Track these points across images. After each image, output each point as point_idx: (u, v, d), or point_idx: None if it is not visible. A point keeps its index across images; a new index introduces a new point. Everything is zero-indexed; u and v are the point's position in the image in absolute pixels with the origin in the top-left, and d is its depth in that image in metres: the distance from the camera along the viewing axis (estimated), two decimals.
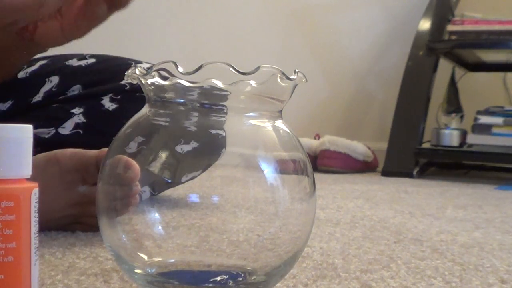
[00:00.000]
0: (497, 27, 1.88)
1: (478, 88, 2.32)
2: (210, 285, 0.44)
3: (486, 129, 1.89)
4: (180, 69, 0.42)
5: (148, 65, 0.96)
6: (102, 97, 0.82)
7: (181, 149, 0.86)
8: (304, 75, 0.45)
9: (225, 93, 0.44)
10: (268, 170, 0.43)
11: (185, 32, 2.29)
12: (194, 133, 0.48)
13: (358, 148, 1.96)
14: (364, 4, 2.37)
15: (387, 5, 2.36)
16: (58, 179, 0.67)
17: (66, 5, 0.66)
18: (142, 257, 0.45)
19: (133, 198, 0.74)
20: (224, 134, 1.01)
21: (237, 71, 0.41)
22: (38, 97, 0.83)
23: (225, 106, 0.46)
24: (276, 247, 0.44)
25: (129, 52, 1.13)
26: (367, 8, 2.38)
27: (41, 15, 0.63)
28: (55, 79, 0.85)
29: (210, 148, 0.88)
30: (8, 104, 0.83)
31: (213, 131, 0.94)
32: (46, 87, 0.84)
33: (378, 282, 0.54)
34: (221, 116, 0.47)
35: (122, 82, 0.84)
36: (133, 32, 2.24)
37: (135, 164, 0.67)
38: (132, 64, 0.89)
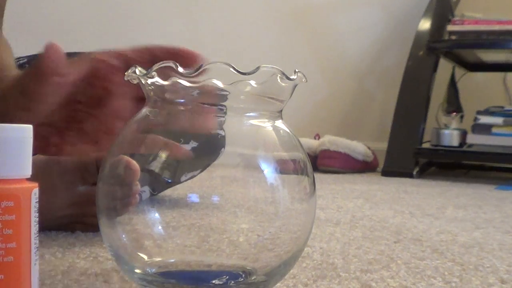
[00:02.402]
0: (497, 27, 1.88)
1: (478, 88, 2.32)
2: (210, 285, 0.44)
3: (486, 129, 1.89)
4: (180, 69, 0.42)
5: None
6: None
7: None
8: (304, 75, 0.45)
9: (225, 93, 0.44)
10: (268, 170, 0.43)
11: (185, 32, 2.29)
12: (193, 133, 0.48)
13: (358, 148, 1.95)
14: (364, 4, 2.37)
15: (387, 5, 2.36)
16: (58, 179, 0.67)
17: None
18: (142, 257, 0.45)
19: (133, 198, 0.74)
20: (223, 133, 1.02)
21: (237, 71, 0.41)
22: None
23: (225, 106, 0.46)
24: (276, 247, 0.44)
25: None
26: (367, 8, 2.37)
27: None
28: None
29: (209, 148, 0.88)
30: None
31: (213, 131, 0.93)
32: None
33: (378, 282, 0.54)
34: (221, 116, 0.46)
35: None
36: (134, 31, 2.24)
37: (134, 164, 0.67)
38: None
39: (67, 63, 0.48)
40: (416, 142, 1.88)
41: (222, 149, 1.05)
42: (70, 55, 0.94)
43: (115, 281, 0.51)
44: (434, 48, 1.94)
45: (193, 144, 0.86)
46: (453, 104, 2.07)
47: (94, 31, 2.16)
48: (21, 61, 0.90)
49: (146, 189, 0.89)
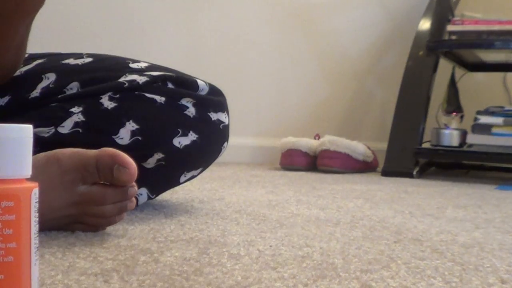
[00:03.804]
0: (497, 27, 1.88)
1: (478, 88, 2.32)
2: None
3: (486, 129, 1.89)
4: None
5: (146, 64, 0.96)
6: (101, 96, 0.82)
7: (179, 142, 0.86)
8: None
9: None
10: None
11: (185, 32, 2.29)
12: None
13: (358, 148, 1.95)
14: (364, 4, 2.37)
15: (387, 5, 2.36)
16: (58, 178, 0.67)
17: None
18: None
19: (130, 202, 0.74)
20: (226, 122, 1.01)
21: None
22: (35, 93, 0.83)
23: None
24: None
25: (129, 52, 1.13)
26: (367, 8, 2.37)
27: None
28: (52, 76, 0.85)
29: (209, 142, 0.87)
30: (6, 99, 0.83)
31: (214, 117, 0.92)
32: (43, 83, 0.84)
33: (378, 282, 0.54)
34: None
35: (121, 80, 0.84)
36: (133, 31, 2.24)
37: (132, 162, 0.67)
38: (129, 63, 0.89)
39: None
40: (416, 142, 1.88)
41: (225, 143, 1.05)
42: (61, 55, 0.94)
43: (115, 281, 0.51)
44: (434, 48, 1.94)
45: (192, 136, 0.86)
46: (453, 104, 2.07)
47: (95, 31, 2.16)
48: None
49: (144, 191, 0.90)
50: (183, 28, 2.29)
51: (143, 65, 0.89)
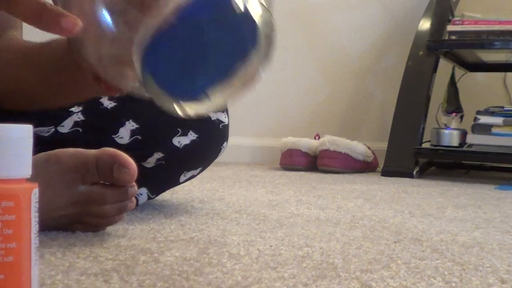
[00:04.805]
0: (497, 27, 1.88)
1: (478, 88, 2.32)
2: None
3: (486, 129, 1.89)
4: None
5: None
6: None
7: (179, 142, 0.86)
8: None
9: None
10: None
11: None
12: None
13: (358, 148, 1.95)
14: (364, 4, 2.37)
15: (387, 5, 2.36)
16: (58, 178, 0.67)
17: None
18: None
19: (130, 202, 0.74)
20: (226, 121, 1.01)
21: None
22: None
23: None
24: None
25: None
26: (367, 8, 2.37)
27: None
28: None
29: (209, 141, 0.87)
30: None
31: (213, 117, 0.93)
32: None
33: (378, 282, 0.54)
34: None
35: None
36: None
37: (132, 163, 0.67)
38: None
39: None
40: (416, 142, 1.88)
41: (225, 143, 1.05)
42: None
43: (115, 281, 0.51)
44: (434, 48, 1.94)
45: (192, 136, 0.86)
46: (453, 104, 2.07)
47: None
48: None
49: (144, 191, 0.90)
50: None
51: None
